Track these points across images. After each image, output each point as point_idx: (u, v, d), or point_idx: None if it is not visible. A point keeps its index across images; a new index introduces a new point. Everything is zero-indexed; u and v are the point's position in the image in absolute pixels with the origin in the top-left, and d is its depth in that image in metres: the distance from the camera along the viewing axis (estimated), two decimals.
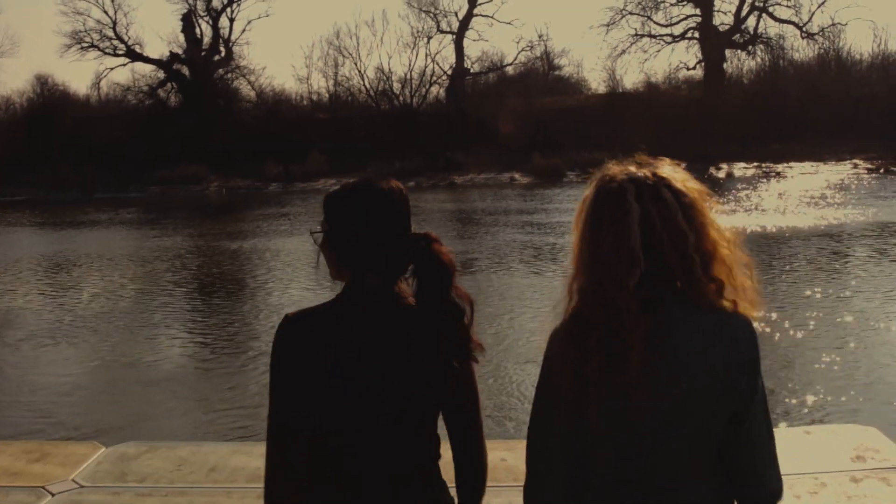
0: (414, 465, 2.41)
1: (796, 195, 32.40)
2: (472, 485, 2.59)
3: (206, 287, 18.45)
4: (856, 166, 43.88)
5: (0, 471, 6.70)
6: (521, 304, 14.95)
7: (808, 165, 44.56)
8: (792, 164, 44.98)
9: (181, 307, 16.09)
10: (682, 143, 47.23)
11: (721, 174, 44.46)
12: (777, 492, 2.20)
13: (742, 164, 45.73)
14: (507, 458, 6.79)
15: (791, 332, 12.28)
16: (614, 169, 2.25)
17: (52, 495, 6.28)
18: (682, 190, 2.19)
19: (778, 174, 42.98)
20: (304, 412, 2.30)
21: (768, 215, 26.71)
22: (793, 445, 6.82)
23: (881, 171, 42.09)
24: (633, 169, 2.23)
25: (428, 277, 2.26)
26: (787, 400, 9.55)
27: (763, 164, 45.31)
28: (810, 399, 9.59)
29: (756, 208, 28.90)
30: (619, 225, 2.09)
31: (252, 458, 6.94)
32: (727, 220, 2.38)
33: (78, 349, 13.10)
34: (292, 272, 19.56)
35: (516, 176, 46.52)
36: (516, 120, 49.91)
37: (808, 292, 14.91)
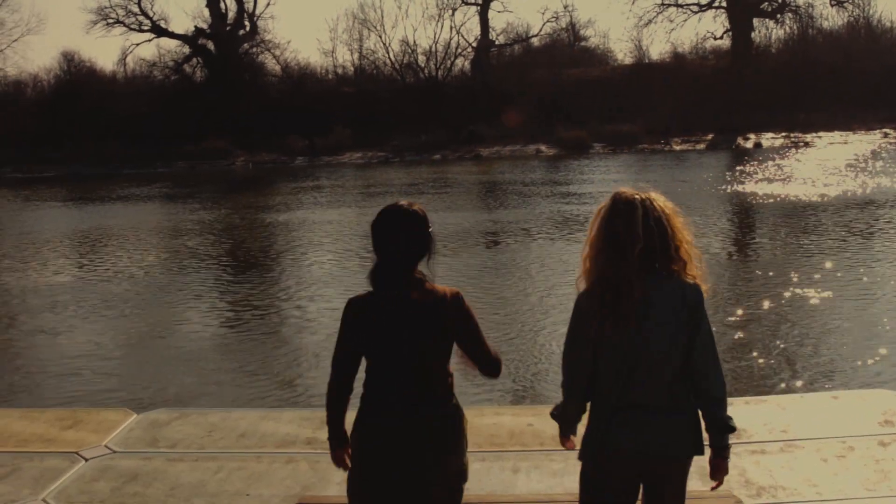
0: (425, 388, 3.56)
1: (830, 164, 32.09)
2: (491, 368, 3.68)
3: (240, 261, 18.57)
4: (886, 135, 43.38)
5: (34, 437, 6.83)
6: (560, 274, 14.98)
7: (837, 135, 44.09)
8: (821, 133, 44.53)
9: (214, 281, 16.22)
10: (709, 114, 46.95)
11: (749, 144, 44.12)
12: (720, 398, 3.48)
13: (770, 134, 45.31)
14: (533, 423, 6.84)
15: (823, 299, 12.26)
16: (626, 190, 3.53)
17: (86, 460, 6.39)
18: (663, 207, 3.51)
19: (807, 144, 42.57)
20: (356, 360, 3.62)
21: (801, 184, 26.52)
22: (820, 410, 6.82)
23: None
24: (634, 191, 3.52)
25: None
26: (814, 363, 9.55)
27: (791, 134, 44.88)
28: (839, 363, 9.59)
29: (790, 178, 28.68)
30: (630, 218, 3.41)
31: (281, 423, 7.03)
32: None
33: (111, 322, 13.26)
34: (324, 244, 19.67)
35: (542, 148, 46.36)
36: (538, 93, 49.62)
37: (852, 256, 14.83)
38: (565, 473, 5.95)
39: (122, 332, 12.61)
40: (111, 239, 22.24)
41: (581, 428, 3.72)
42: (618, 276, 3.38)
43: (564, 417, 3.70)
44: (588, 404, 3.65)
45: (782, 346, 10.34)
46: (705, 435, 3.58)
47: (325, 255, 18.31)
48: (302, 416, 7.25)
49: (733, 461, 5.91)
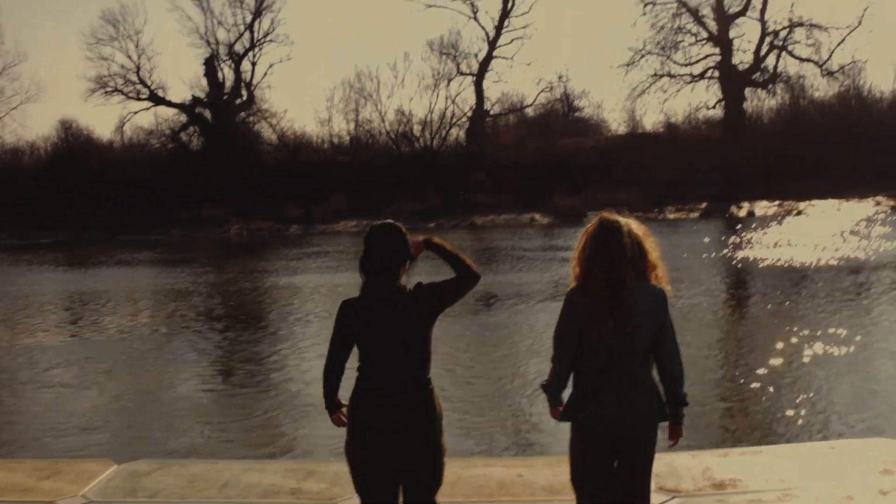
0: (409, 374, 4.26)
1: (823, 231, 32.14)
2: (469, 277, 4.39)
3: (224, 324, 18.39)
4: (878, 203, 43.54)
5: (11, 487, 6.62)
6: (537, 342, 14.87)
7: (830, 203, 44.23)
8: (814, 201, 44.68)
9: (200, 343, 16.04)
10: (703, 183, 47.15)
11: (742, 212, 44.24)
12: (679, 377, 4.35)
13: (764, 203, 45.44)
14: (523, 474, 6.67)
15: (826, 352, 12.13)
16: (609, 215, 4.34)
17: None
18: (638, 229, 4.36)
19: (800, 212, 42.71)
20: (346, 347, 4.35)
21: (794, 250, 26.51)
22: (817, 459, 6.66)
23: None
24: (616, 215, 4.35)
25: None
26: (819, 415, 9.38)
27: (784, 203, 45.02)
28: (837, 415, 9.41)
29: (782, 244, 28.69)
30: (618, 235, 4.26)
31: (265, 474, 6.84)
32: None
33: (98, 378, 13.06)
34: (306, 306, 19.53)
35: (536, 216, 46.46)
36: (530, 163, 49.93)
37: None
38: None
39: (110, 388, 12.41)
40: (105, 301, 22.10)
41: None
42: (610, 279, 4.18)
43: (552, 388, 4.51)
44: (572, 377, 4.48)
45: (779, 399, 10.18)
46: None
47: (320, 314, 18.18)
48: (287, 468, 7.06)
49: None
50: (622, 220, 4.29)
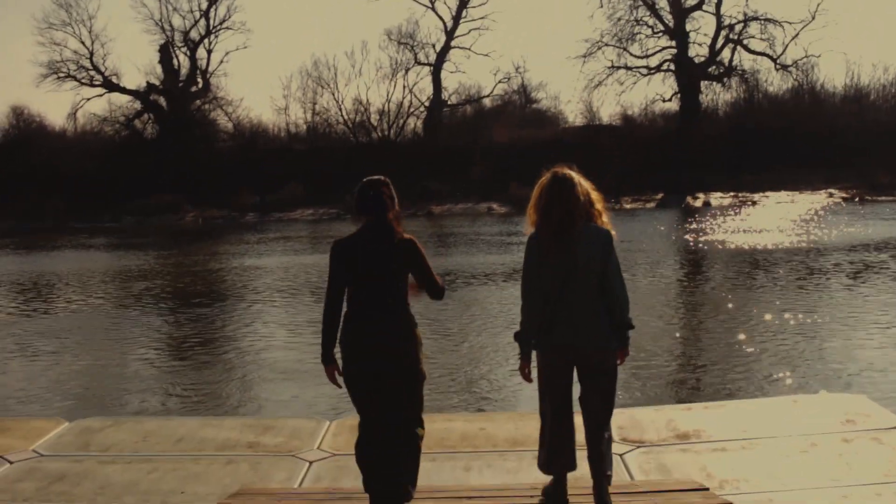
0: (394, 301, 4.74)
1: (776, 220, 32.44)
2: (435, 292, 4.86)
3: (185, 301, 18.09)
4: (831, 195, 44.10)
5: None
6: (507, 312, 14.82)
7: (783, 195, 44.71)
8: (768, 193, 45.13)
9: (157, 320, 15.76)
10: (659, 174, 47.46)
11: (698, 203, 44.57)
12: (624, 305, 4.77)
13: (719, 194, 45.80)
14: (486, 428, 6.59)
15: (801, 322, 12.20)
16: (561, 168, 4.85)
17: (11, 463, 5.99)
18: (586, 181, 4.86)
19: (754, 202, 43.11)
20: (343, 281, 4.74)
21: (748, 235, 26.72)
22: (781, 411, 6.65)
23: (856, 199, 42.33)
24: (568, 169, 4.86)
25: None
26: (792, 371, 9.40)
27: (739, 194, 45.41)
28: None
29: (737, 231, 28.93)
30: (570, 184, 4.76)
31: (222, 430, 6.68)
32: None
33: (51, 349, 12.77)
34: (258, 288, 19.30)
35: (494, 206, 46.43)
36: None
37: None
38: (519, 471, 5.69)
39: (68, 360, 12.13)
40: (57, 281, 21.68)
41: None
42: (563, 220, 4.68)
43: (525, 335, 4.83)
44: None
45: (743, 360, 10.20)
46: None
47: (270, 295, 17.96)
48: (244, 423, 6.91)
49: (693, 458, 5.75)
50: (573, 173, 4.83)
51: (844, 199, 42.84)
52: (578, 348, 4.72)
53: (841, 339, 11.77)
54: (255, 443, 6.31)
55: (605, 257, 4.69)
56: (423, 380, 4.80)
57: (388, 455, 4.67)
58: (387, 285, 4.68)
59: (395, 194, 4.91)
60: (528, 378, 4.87)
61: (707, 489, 4.89)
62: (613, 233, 4.80)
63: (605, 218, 4.85)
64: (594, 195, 4.85)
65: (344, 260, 4.69)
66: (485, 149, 51.47)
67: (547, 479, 4.93)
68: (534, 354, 4.86)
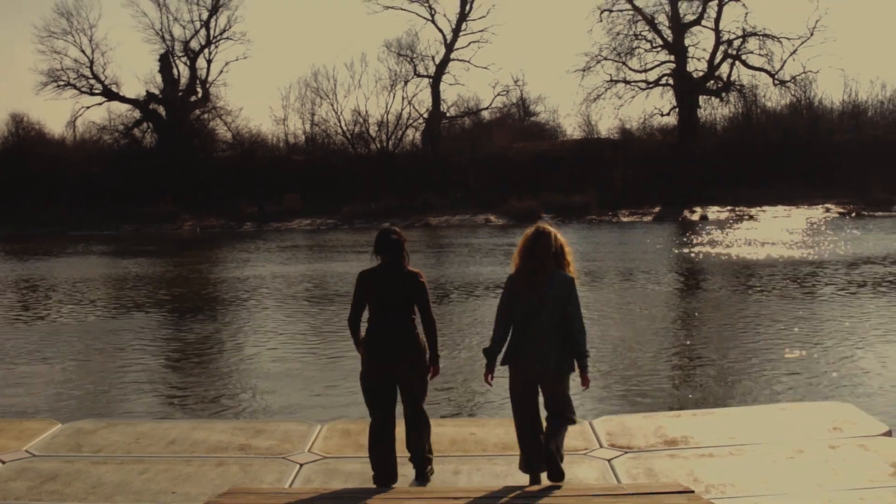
0: (403, 319, 5.90)
1: (773, 234, 32.51)
2: (430, 335, 5.92)
3: (180, 308, 18.12)
4: (828, 210, 44.19)
5: None
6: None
7: (780, 209, 44.80)
8: (765, 207, 45.21)
9: (154, 324, 15.79)
10: (657, 188, 47.54)
11: (695, 217, 44.64)
12: (581, 337, 5.68)
13: (716, 208, 45.86)
14: (476, 433, 6.65)
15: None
16: (543, 225, 5.86)
17: (3, 463, 6.03)
18: (561, 237, 5.84)
19: (751, 217, 43.18)
20: (363, 301, 5.94)
21: (745, 248, 26.78)
22: (769, 419, 6.69)
23: (852, 214, 42.42)
24: (548, 226, 5.88)
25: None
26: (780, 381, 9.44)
27: (736, 208, 45.48)
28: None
29: (734, 244, 28.98)
30: (548, 239, 5.75)
31: (214, 433, 6.72)
32: None
33: (49, 354, 12.79)
34: (253, 296, 19.34)
35: (491, 218, 46.46)
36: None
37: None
38: (507, 475, 5.74)
39: (66, 363, 12.15)
40: (52, 287, 21.70)
41: None
42: (536, 266, 5.72)
43: (491, 351, 5.78)
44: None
45: (732, 368, 10.25)
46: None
47: (264, 303, 17.99)
48: (236, 426, 6.96)
49: (681, 464, 5.79)
50: (552, 229, 5.90)
51: (841, 214, 42.92)
52: (539, 370, 5.67)
53: (830, 348, 11.83)
54: (247, 445, 6.35)
55: (567, 298, 5.69)
56: (426, 373, 5.88)
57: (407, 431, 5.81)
58: (398, 307, 5.86)
59: (404, 238, 6.05)
60: (489, 383, 5.82)
61: (692, 492, 4.94)
62: (576, 278, 5.83)
63: (572, 268, 5.88)
64: (566, 248, 5.90)
65: (365, 286, 5.90)
66: (483, 161, 51.55)
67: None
68: (506, 369, 5.79)
